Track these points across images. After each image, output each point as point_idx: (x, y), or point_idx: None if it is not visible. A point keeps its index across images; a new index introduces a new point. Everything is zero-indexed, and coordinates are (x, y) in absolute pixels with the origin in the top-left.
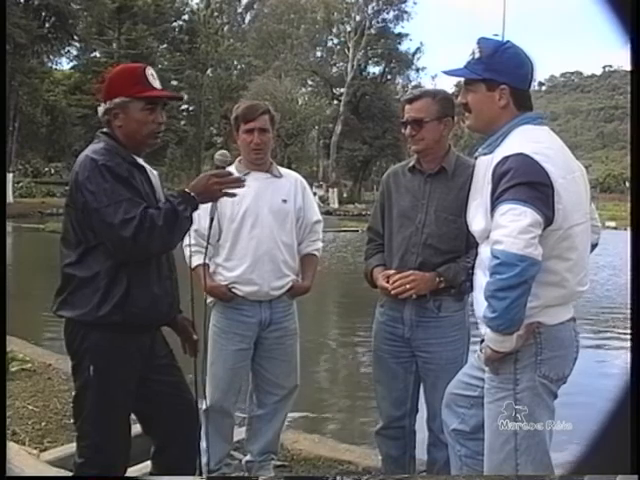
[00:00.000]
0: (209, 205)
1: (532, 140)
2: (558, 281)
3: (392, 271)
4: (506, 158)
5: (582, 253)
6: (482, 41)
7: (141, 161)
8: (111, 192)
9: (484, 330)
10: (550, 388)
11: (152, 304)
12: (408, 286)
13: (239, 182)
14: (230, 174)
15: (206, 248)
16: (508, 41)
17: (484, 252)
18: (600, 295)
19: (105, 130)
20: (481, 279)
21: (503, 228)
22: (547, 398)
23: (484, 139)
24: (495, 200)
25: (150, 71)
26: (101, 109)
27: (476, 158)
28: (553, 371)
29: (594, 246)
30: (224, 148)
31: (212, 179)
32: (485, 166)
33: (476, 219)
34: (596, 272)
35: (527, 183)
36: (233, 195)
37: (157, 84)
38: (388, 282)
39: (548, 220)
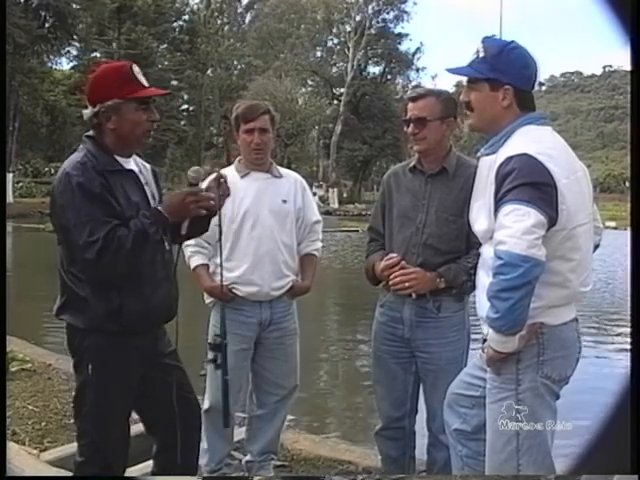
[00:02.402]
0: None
1: (535, 140)
2: (561, 282)
3: (395, 254)
4: (510, 158)
5: (585, 254)
6: (487, 40)
7: (131, 163)
8: (78, 211)
9: (486, 330)
10: (552, 388)
11: (148, 310)
12: (407, 284)
13: (209, 202)
14: (201, 190)
15: (176, 260)
16: (513, 41)
17: (487, 252)
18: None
19: (90, 134)
20: (484, 279)
21: (507, 229)
22: (549, 399)
23: (485, 140)
24: (499, 200)
25: (136, 69)
26: (88, 112)
27: (478, 158)
28: (555, 372)
29: (596, 247)
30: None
31: (188, 197)
32: (488, 166)
33: (479, 219)
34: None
35: (531, 183)
36: (203, 214)
37: (144, 81)
38: (389, 275)
39: (552, 220)
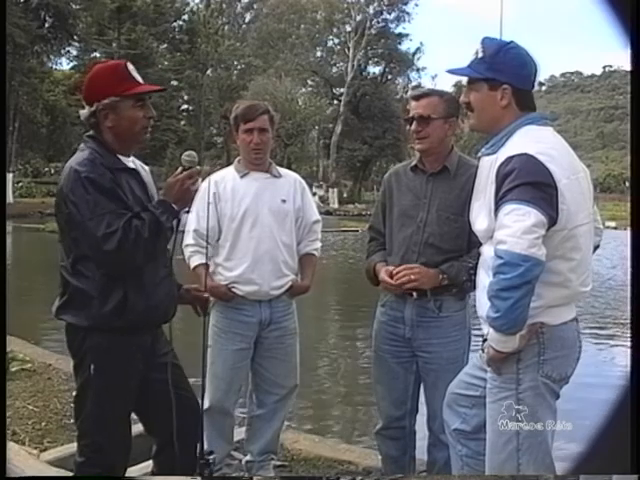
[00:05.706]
0: (210, 205)
1: (536, 140)
2: (561, 281)
3: (394, 267)
4: (510, 158)
5: (585, 254)
6: (485, 41)
7: (131, 163)
8: (94, 205)
9: (487, 330)
10: (552, 388)
11: (151, 308)
12: (413, 277)
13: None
14: (197, 172)
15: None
16: (512, 41)
17: (487, 252)
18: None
19: (92, 134)
20: (484, 279)
21: (507, 228)
22: (549, 398)
23: (486, 139)
24: (499, 200)
25: (130, 66)
26: (85, 112)
27: (479, 158)
28: (556, 371)
29: (596, 248)
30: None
31: (187, 182)
32: (489, 166)
33: (479, 219)
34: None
35: (531, 183)
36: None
37: (139, 78)
38: (391, 278)
39: (552, 220)
